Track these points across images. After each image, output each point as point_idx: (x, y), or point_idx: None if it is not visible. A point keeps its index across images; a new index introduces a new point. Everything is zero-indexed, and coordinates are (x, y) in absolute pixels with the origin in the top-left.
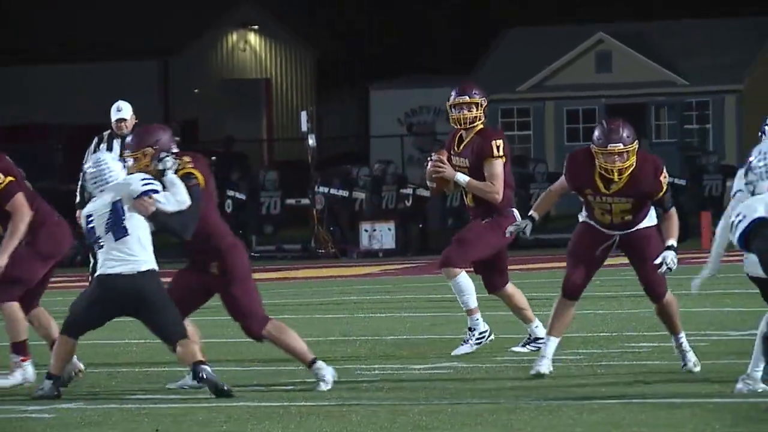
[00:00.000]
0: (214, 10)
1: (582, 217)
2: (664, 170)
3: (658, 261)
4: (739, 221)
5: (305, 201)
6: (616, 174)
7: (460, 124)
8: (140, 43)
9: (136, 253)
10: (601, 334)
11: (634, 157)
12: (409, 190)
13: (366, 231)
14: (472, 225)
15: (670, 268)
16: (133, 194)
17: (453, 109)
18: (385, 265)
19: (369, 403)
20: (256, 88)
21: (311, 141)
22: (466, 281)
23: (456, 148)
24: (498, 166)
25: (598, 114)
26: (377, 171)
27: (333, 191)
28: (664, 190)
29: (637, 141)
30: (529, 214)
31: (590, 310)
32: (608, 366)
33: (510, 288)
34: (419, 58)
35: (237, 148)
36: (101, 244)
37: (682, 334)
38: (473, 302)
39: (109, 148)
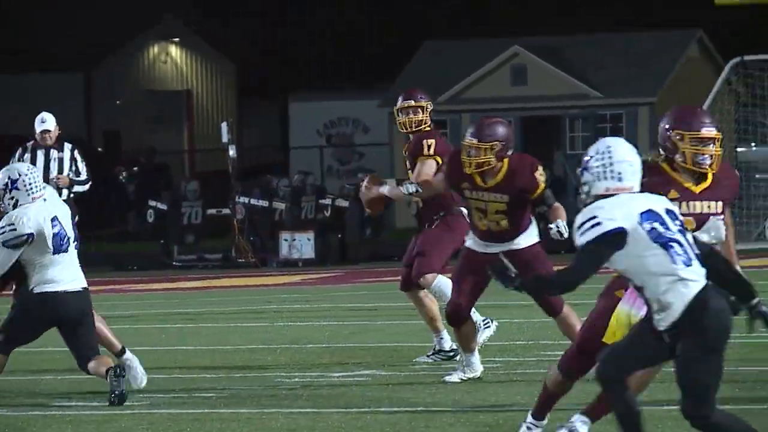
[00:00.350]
0: (136, 23)
1: (467, 241)
2: (540, 168)
3: (551, 226)
4: (592, 225)
5: (226, 211)
6: (469, 167)
7: (407, 128)
8: (63, 55)
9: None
10: (518, 342)
11: (492, 156)
12: (328, 201)
13: (286, 241)
14: (424, 236)
15: (560, 232)
16: None
17: (400, 114)
18: (304, 275)
19: (289, 410)
20: (177, 99)
21: (232, 152)
22: (444, 281)
23: (404, 153)
24: (427, 165)
25: (513, 126)
26: (297, 182)
27: (253, 201)
28: (542, 187)
29: (499, 143)
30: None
31: (507, 318)
32: (524, 374)
33: (423, 293)
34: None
35: (159, 158)
36: (66, 248)
37: None
38: None
39: (33, 160)
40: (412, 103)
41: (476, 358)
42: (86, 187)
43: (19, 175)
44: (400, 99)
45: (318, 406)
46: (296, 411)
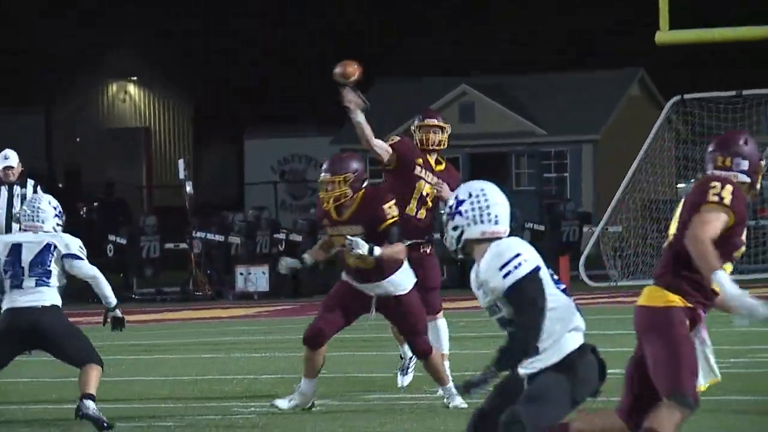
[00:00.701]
0: (95, 62)
1: (343, 275)
2: (392, 204)
3: (347, 242)
4: (520, 263)
5: (183, 245)
6: (327, 203)
7: (425, 145)
8: (24, 93)
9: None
10: (467, 372)
11: (347, 188)
12: (282, 236)
13: (241, 274)
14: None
15: (352, 247)
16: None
17: (419, 131)
18: (259, 307)
19: None
20: (135, 136)
21: (188, 188)
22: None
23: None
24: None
25: (461, 162)
26: (251, 217)
27: (209, 236)
28: (389, 220)
29: (352, 174)
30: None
31: (457, 350)
32: (473, 404)
33: None
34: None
35: (118, 194)
36: (17, 284)
37: (450, 384)
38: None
39: None
40: (434, 122)
41: (314, 385)
42: None
43: (29, 201)
44: (420, 117)
45: None
46: None
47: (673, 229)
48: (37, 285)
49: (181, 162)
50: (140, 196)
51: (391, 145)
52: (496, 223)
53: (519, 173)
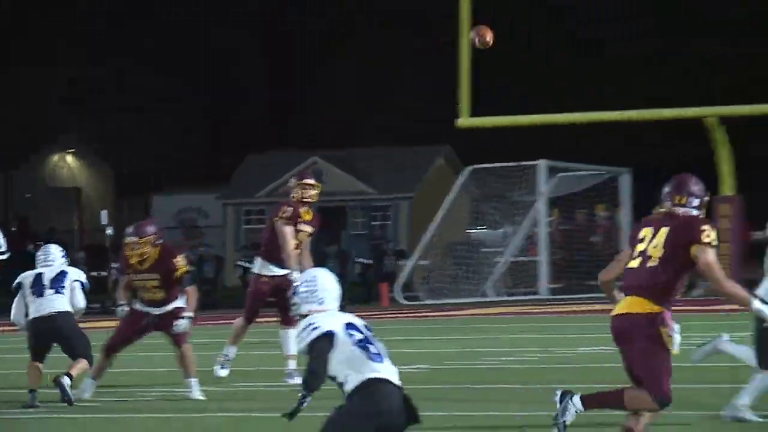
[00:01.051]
0: (42, 137)
1: (135, 304)
2: (181, 257)
3: (178, 326)
4: (312, 329)
5: (104, 273)
6: (133, 258)
7: (301, 198)
8: None
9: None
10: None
11: (149, 248)
12: None
13: None
14: None
15: (183, 329)
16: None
17: (298, 187)
18: None
19: (190, 415)
20: (70, 193)
21: (109, 231)
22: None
23: (303, 217)
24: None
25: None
26: None
27: None
28: (181, 270)
29: (153, 236)
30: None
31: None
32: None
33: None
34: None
35: (57, 236)
36: (39, 294)
37: (193, 378)
38: None
39: None
40: (311, 182)
41: (94, 385)
42: (5, 256)
43: (43, 248)
44: (299, 177)
45: (235, 411)
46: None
47: (655, 252)
48: (55, 294)
49: (103, 213)
50: (73, 237)
51: (289, 217)
52: (320, 303)
53: (354, 221)
